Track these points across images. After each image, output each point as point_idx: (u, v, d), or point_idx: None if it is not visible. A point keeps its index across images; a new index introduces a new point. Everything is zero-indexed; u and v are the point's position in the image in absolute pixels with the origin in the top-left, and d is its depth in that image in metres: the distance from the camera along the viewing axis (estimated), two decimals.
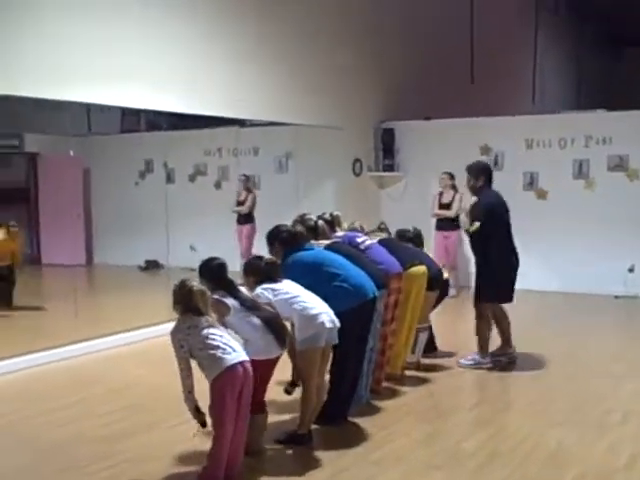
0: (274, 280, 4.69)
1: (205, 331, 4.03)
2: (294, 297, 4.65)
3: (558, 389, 6.13)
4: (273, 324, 4.42)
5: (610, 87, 19.75)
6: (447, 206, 10.27)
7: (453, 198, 10.23)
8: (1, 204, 10.32)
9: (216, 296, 4.31)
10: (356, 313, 4.98)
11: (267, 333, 4.38)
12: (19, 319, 9.06)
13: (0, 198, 10.10)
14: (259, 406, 4.51)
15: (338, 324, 4.73)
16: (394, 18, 11.68)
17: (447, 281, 7.14)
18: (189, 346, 4.02)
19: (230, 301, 4.36)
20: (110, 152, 12.73)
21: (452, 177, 10.20)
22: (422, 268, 6.25)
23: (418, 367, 6.56)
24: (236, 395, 4.04)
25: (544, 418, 5.38)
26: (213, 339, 4.03)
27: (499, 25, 14.64)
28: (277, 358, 4.54)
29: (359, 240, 5.90)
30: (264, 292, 4.60)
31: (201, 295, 4.11)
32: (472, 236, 6.63)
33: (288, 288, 4.69)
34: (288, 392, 4.76)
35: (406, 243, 6.72)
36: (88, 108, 11.35)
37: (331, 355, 4.99)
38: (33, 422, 5.33)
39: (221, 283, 4.43)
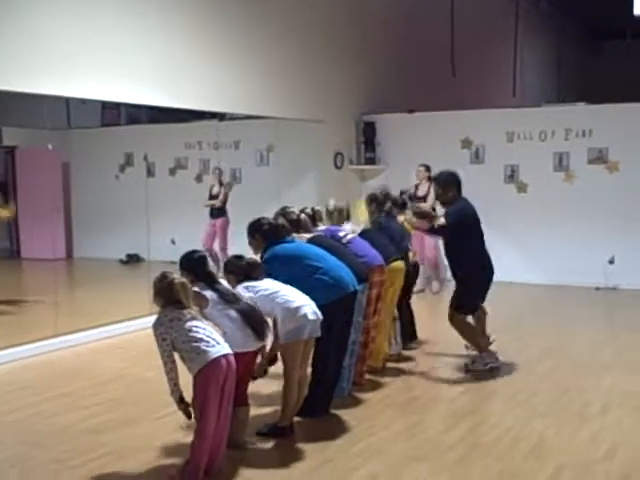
0: (255, 279, 4.68)
1: (188, 324, 4.01)
2: (275, 292, 4.65)
3: (539, 381, 6.14)
4: (251, 317, 4.39)
5: (590, 80, 19.88)
6: (423, 199, 9.89)
7: (428, 190, 9.85)
8: None
9: (196, 288, 4.30)
10: (337, 306, 4.98)
11: (245, 326, 4.36)
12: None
13: None
14: (242, 399, 4.50)
15: (321, 316, 4.72)
16: (376, 11, 11.69)
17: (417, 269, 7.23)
18: (172, 339, 3.99)
19: (209, 293, 4.34)
20: (90, 146, 12.64)
21: (428, 169, 9.94)
22: (401, 263, 6.29)
23: (398, 359, 6.61)
24: (219, 388, 4.02)
25: (525, 410, 5.41)
26: (196, 332, 4.01)
27: (480, 18, 14.69)
28: (257, 351, 4.53)
29: (341, 234, 5.90)
30: (245, 290, 4.59)
31: (182, 287, 4.08)
32: (446, 248, 6.61)
33: (268, 285, 4.69)
34: (265, 372, 4.75)
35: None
36: (67, 102, 11.26)
37: (313, 348, 4.99)
38: (17, 415, 5.29)
39: (202, 275, 4.41)
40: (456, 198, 6.43)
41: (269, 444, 4.69)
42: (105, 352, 7.14)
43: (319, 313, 4.72)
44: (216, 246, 10.88)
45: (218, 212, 11.04)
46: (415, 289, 7.85)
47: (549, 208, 10.53)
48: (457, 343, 6.72)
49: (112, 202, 12.37)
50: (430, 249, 9.85)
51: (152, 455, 4.51)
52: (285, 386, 4.76)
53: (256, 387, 4.88)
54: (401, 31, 12.25)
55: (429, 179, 9.84)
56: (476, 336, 6.48)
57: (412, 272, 6.95)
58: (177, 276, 4.16)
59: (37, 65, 6.69)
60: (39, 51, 6.71)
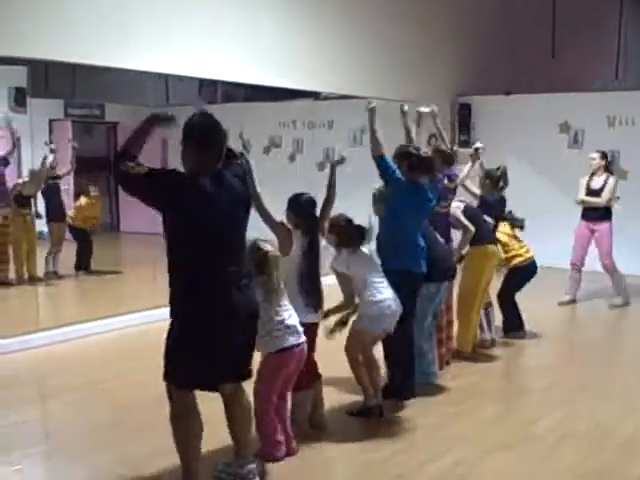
0: (355, 246, 4.71)
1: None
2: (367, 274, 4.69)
3: (635, 376, 5.98)
4: (315, 285, 4.38)
5: None
6: (597, 193, 8.37)
7: (605, 183, 8.38)
8: (82, 172, 10.60)
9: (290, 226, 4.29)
10: (414, 281, 4.99)
11: (305, 294, 4.34)
12: (98, 283, 9.38)
13: (81, 167, 10.38)
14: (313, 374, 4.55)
15: (401, 310, 4.74)
16: None
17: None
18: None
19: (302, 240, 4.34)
20: None
21: (605, 156, 8.52)
22: (494, 248, 6.20)
23: (491, 345, 6.52)
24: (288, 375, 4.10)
25: (620, 403, 5.29)
26: (280, 314, 4.05)
27: None
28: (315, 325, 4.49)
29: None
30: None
31: (275, 261, 4.04)
32: None
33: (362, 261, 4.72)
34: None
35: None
36: (167, 79, 11.53)
37: None
38: (113, 384, 5.54)
39: (306, 217, 4.40)
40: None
41: (353, 425, 4.74)
42: None
43: (400, 307, 4.73)
44: None
45: None
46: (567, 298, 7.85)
47: None
48: (558, 336, 6.59)
49: None
50: (605, 254, 8.38)
51: None
52: (351, 367, 4.79)
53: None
54: (499, 10, 11.97)
55: (606, 169, 8.50)
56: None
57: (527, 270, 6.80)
58: (271, 249, 4.09)
59: (137, 42, 6.87)
60: (141, 28, 6.88)
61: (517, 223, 6.83)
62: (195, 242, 3.48)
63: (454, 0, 11.06)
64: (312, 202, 4.51)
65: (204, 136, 3.53)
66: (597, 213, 8.32)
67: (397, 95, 10.21)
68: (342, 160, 4.77)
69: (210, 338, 3.47)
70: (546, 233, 8.98)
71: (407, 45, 10.32)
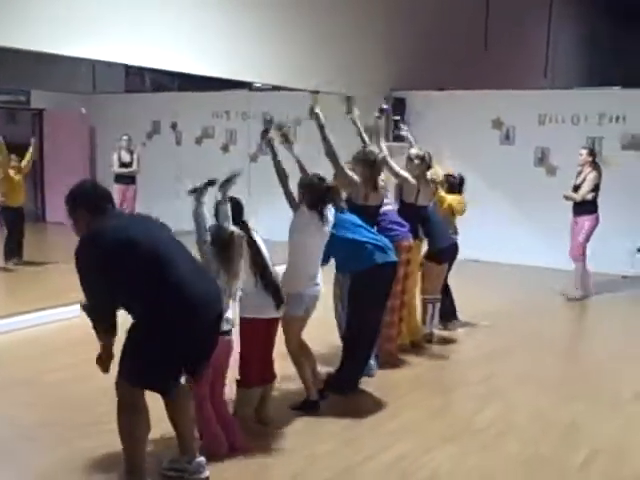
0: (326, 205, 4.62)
1: None
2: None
3: (571, 366, 6.10)
4: (268, 282, 4.29)
5: (624, 64, 19.52)
6: (578, 188, 8.61)
7: (585, 178, 8.58)
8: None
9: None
10: (376, 274, 4.94)
11: (265, 291, 4.28)
12: (33, 274, 9.02)
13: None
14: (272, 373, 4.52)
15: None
16: None
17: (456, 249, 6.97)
18: None
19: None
20: (115, 111, 12.57)
21: (592, 153, 8.73)
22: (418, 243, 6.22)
23: (431, 339, 6.53)
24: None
25: (558, 394, 5.37)
26: None
27: None
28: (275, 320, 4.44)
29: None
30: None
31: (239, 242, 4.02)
32: None
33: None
34: None
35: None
36: (94, 66, 11.21)
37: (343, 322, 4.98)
38: (54, 377, 5.32)
39: (237, 222, 4.25)
40: None
41: (297, 420, 4.67)
42: None
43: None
44: None
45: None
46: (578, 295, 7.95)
47: None
48: (496, 329, 6.65)
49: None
50: (576, 245, 8.71)
51: None
52: (292, 359, 4.74)
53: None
54: (434, 5, 12.05)
55: (593, 165, 8.61)
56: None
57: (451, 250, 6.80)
58: (237, 231, 4.05)
59: (66, 26, 6.59)
60: (68, 12, 6.62)
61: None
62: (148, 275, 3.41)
63: None
64: (238, 205, 4.31)
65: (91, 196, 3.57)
66: (577, 207, 8.63)
67: (332, 88, 10.17)
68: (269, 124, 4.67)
69: (168, 345, 3.41)
70: (475, 226, 9.05)
71: (342, 38, 10.27)
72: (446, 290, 6.92)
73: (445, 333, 6.82)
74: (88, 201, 3.53)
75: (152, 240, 3.46)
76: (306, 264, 4.59)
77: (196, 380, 3.76)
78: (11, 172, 9.16)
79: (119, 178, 11.05)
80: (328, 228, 4.65)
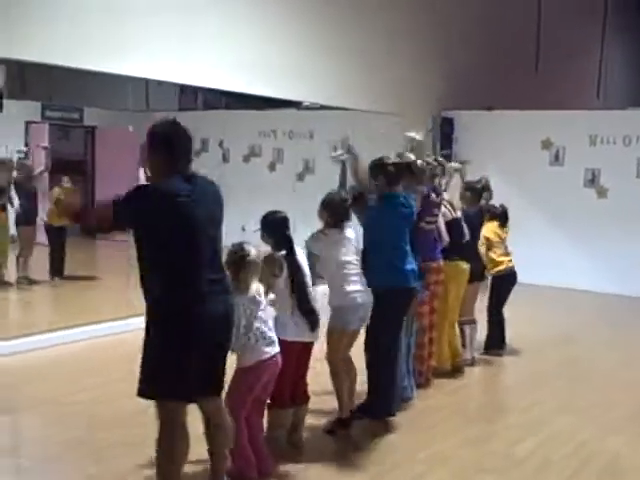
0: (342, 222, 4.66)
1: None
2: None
3: (615, 394, 5.91)
4: (307, 305, 4.25)
5: None
6: None
7: None
8: (59, 175, 10.41)
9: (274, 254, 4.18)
10: (399, 295, 4.87)
11: (299, 314, 4.24)
12: (73, 290, 9.17)
13: (58, 169, 10.20)
14: (303, 395, 4.48)
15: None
16: (458, 2, 11.44)
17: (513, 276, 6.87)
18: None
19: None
20: None
21: None
22: (463, 264, 6.12)
23: (472, 363, 6.43)
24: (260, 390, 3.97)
25: (600, 425, 5.22)
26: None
27: (567, 14, 14.26)
28: (309, 344, 4.39)
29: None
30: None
31: (252, 267, 3.92)
32: None
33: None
34: None
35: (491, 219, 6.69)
36: (147, 85, 11.41)
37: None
38: (83, 396, 5.34)
39: (283, 238, 4.24)
40: None
41: (331, 446, 4.62)
42: None
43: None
44: None
45: None
46: None
47: (629, 215, 10.16)
48: (540, 354, 6.51)
49: None
50: None
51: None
52: (331, 373, 4.71)
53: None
54: (485, 26, 11.97)
55: None
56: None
57: (507, 279, 6.74)
58: (254, 253, 3.94)
59: (118, 45, 6.73)
60: (123, 32, 6.76)
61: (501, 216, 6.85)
62: (171, 251, 3.35)
63: (440, 15, 11.04)
64: (285, 220, 4.32)
65: (176, 143, 3.42)
66: None
67: (381, 108, 10.19)
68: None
69: (185, 348, 3.34)
70: (525, 249, 8.91)
71: (392, 59, 10.27)
72: (499, 317, 6.83)
73: (488, 358, 6.70)
74: (172, 149, 3.39)
75: (199, 229, 3.37)
76: (337, 277, 4.61)
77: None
78: (61, 195, 9.30)
79: None
80: (351, 235, 4.71)
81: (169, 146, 3.41)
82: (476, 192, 6.62)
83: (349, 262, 4.66)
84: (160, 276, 3.36)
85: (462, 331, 6.43)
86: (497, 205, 6.93)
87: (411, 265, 4.92)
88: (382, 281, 4.74)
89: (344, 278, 4.63)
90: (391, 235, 4.89)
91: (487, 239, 6.73)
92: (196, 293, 3.37)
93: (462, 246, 6.08)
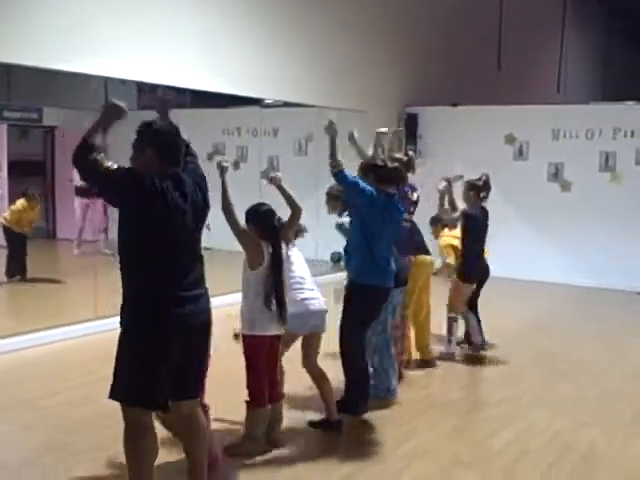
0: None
1: None
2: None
3: (587, 388, 5.94)
4: (280, 298, 4.19)
5: (636, 83, 19.45)
6: None
7: None
8: (18, 177, 10.21)
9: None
10: (375, 295, 4.84)
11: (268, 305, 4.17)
12: (37, 293, 8.97)
13: (17, 171, 9.98)
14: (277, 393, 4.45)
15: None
16: (423, 2, 11.48)
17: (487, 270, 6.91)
18: None
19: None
20: (127, 129, 12.56)
21: None
22: (428, 258, 6.12)
23: (451, 358, 6.48)
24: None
25: (575, 416, 5.24)
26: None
27: (527, 12, 14.41)
28: (278, 337, 4.32)
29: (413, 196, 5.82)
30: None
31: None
32: None
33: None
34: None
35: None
36: (106, 84, 11.22)
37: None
38: (55, 399, 5.23)
39: (268, 231, 4.21)
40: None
41: (309, 442, 4.58)
42: None
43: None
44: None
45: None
46: None
47: (593, 208, 10.30)
48: (513, 346, 6.56)
49: None
50: None
51: None
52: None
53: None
54: (447, 23, 12.05)
55: None
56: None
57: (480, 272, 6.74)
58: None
59: (77, 44, 6.63)
60: (80, 30, 6.64)
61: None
62: (152, 248, 3.28)
63: (404, 13, 11.06)
64: (271, 213, 4.28)
65: (169, 143, 3.39)
66: None
67: (346, 104, 10.16)
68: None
69: (160, 350, 3.27)
70: (493, 243, 8.93)
71: (356, 55, 10.27)
72: (474, 311, 6.86)
73: (469, 352, 6.72)
74: (163, 146, 3.36)
75: (184, 229, 3.34)
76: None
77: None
78: (24, 207, 9.09)
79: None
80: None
81: (165, 146, 3.39)
82: (477, 189, 6.62)
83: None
84: (140, 272, 3.29)
85: (450, 327, 6.49)
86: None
87: (393, 265, 4.91)
88: (366, 277, 4.72)
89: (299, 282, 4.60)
90: (389, 233, 4.86)
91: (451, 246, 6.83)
92: (175, 295, 3.30)
93: (422, 242, 6.13)
